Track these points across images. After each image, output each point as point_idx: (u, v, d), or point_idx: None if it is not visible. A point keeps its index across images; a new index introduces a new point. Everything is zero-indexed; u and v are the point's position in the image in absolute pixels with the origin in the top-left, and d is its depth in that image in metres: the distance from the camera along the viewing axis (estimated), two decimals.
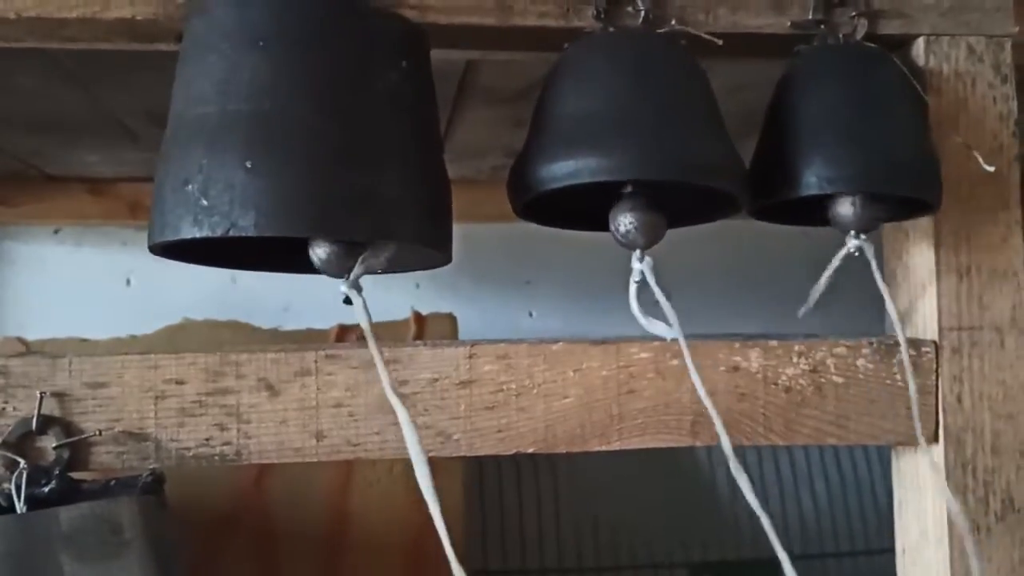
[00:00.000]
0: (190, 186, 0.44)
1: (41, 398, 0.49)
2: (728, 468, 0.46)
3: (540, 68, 0.55)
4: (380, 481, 1.20)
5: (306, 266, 0.49)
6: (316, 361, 0.51)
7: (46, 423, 0.49)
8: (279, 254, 0.54)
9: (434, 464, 0.51)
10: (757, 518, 0.45)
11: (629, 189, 0.50)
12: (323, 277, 0.49)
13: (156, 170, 0.48)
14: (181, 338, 1.30)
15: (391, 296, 1.50)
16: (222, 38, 0.46)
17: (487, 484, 1.33)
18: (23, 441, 0.49)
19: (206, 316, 1.33)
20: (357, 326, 1.38)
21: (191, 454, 0.50)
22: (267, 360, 0.51)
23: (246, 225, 0.43)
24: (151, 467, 0.50)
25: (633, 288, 0.50)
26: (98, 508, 0.46)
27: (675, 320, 0.49)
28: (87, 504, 0.46)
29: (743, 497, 0.46)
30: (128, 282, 1.47)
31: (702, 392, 0.48)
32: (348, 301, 0.49)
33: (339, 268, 0.47)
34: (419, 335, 1.33)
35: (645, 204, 0.50)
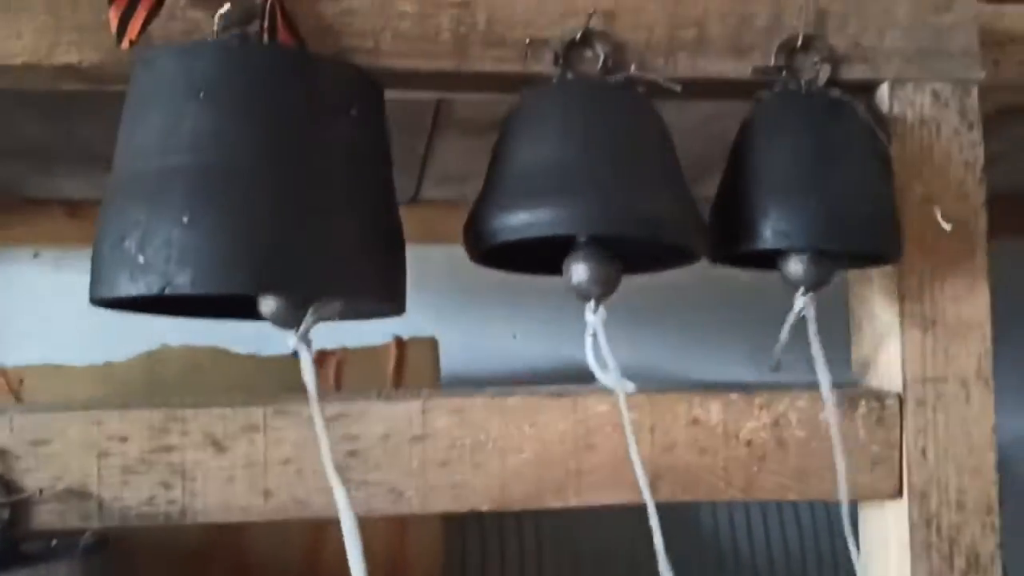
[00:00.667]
0: (127, 242, 0.43)
1: None
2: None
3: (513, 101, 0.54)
4: (362, 526, 1.18)
5: (257, 314, 0.48)
6: (265, 416, 0.50)
7: None
8: (229, 302, 0.52)
9: (412, 520, 0.50)
10: None
11: (583, 239, 0.49)
12: None
13: (97, 223, 0.47)
14: (158, 364, 1.29)
15: (372, 320, 1.49)
16: (165, 89, 0.45)
17: (470, 542, 1.31)
18: None
19: (185, 341, 1.31)
20: (336, 352, 1.36)
21: (134, 513, 0.49)
22: (213, 416, 0.50)
23: (183, 283, 0.42)
24: (93, 528, 0.48)
25: (588, 341, 0.49)
26: (38, 573, 0.45)
27: (621, 383, 0.48)
28: (25, 571, 0.45)
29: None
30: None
31: (634, 451, 0.47)
32: (296, 354, 0.47)
33: (288, 321, 0.46)
34: (399, 360, 1.32)
35: (599, 255, 0.48)
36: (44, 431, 0.49)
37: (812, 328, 0.50)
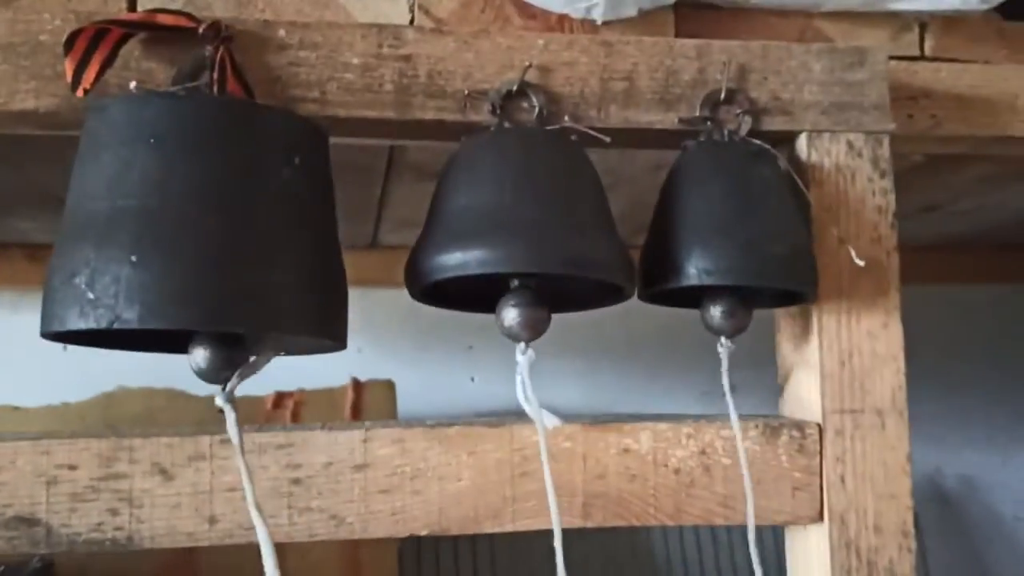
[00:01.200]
0: (77, 279, 0.45)
1: None
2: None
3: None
4: (312, 550, 1.19)
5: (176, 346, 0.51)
6: (211, 445, 0.52)
7: None
8: (176, 338, 0.54)
9: (365, 541, 0.52)
10: None
11: (516, 283, 0.52)
12: None
13: (50, 262, 0.49)
14: (115, 405, 1.30)
15: (331, 361, 1.50)
16: (115, 135, 0.48)
17: (424, 561, 1.32)
18: None
19: (142, 382, 1.32)
20: (294, 393, 1.37)
21: (82, 539, 0.50)
22: (161, 444, 0.52)
23: (130, 318, 0.44)
24: (40, 553, 0.50)
25: (519, 380, 0.52)
26: None
27: (543, 414, 0.51)
28: None
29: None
30: (65, 347, 1.46)
31: (548, 481, 0.49)
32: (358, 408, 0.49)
33: (215, 377, 0.48)
34: (357, 402, 1.33)
35: (529, 300, 0.51)
36: None
37: (724, 370, 0.54)
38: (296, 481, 0.52)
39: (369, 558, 1.25)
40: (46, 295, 0.47)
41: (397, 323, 1.45)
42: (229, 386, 0.47)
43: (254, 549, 0.46)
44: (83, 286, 0.45)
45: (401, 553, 1.27)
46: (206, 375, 0.47)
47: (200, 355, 0.47)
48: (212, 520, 0.51)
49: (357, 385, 1.33)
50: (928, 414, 1.42)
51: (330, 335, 0.50)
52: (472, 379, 1.51)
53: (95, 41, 0.52)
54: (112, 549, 0.51)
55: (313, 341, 0.51)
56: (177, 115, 0.48)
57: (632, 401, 1.44)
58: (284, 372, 1.33)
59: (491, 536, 1.28)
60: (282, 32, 0.55)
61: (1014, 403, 1.44)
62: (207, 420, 1.27)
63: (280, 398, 1.33)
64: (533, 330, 0.52)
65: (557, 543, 0.50)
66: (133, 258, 0.45)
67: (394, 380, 1.33)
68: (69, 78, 0.51)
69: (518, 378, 0.52)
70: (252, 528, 0.51)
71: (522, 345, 0.52)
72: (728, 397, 0.53)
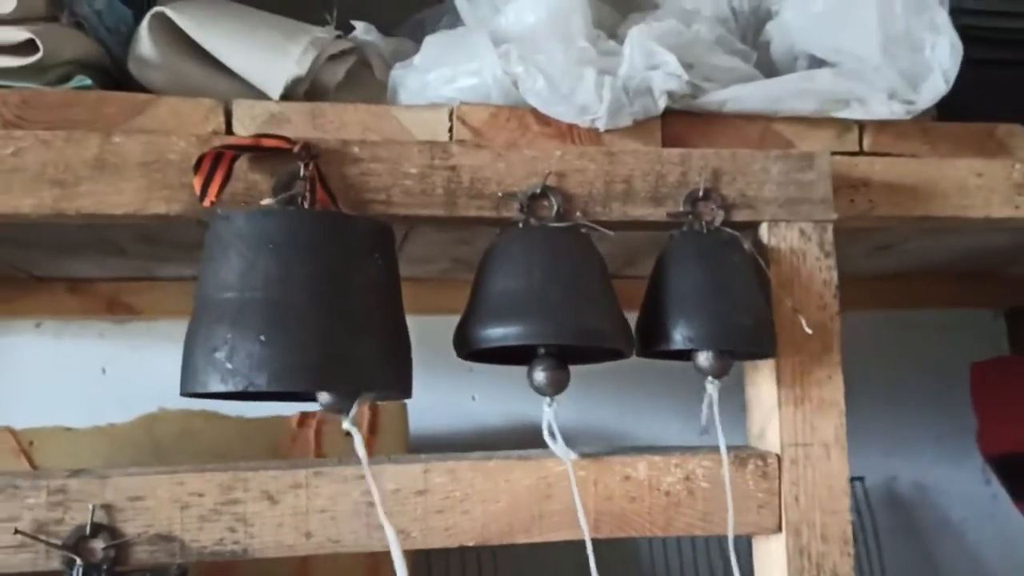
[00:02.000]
0: (218, 353, 0.60)
1: (93, 509, 0.63)
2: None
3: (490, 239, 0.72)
4: (339, 559, 1.33)
5: (298, 398, 0.66)
6: (307, 476, 0.67)
7: (96, 529, 0.63)
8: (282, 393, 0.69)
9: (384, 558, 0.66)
10: None
11: (542, 351, 0.67)
12: None
13: (187, 337, 0.63)
14: (157, 425, 1.43)
15: None
16: (241, 241, 0.62)
17: (435, 568, 1.46)
18: (78, 543, 0.63)
19: (174, 402, 1.46)
20: (315, 414, 1.52)
21: (208, 551, 0.65)
22: (268, 476, 0.66)
23: (261, 383, 0.59)
24: (177, 563, 0.64)
25: (544, 424, 0.67)
26: None
27: (566, 449, 0.66)
28: None
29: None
30: (104, 371, 1.59)
31: (578, 501, 0.65)
32: (348, 434, 0.64)
33: (338, 410, 0.63)
34: (373, 421, 1.48)
35: (555, 364, 0.67)
36: (139, 490, 0.65)
37: (715, 407, 0.69)
38: (372, 504, 0.67)
39: (387, 568, 1.39)
40: (188, 364, 0.62)
41: None
42: (352, 414, 0.62)
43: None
44: (223, 359, 0.60)
45: (415, 564, 1.41)
46: (330, 408, 0.62)
47: (324, 395, 0.62)
48: (308, 535, 0.66)
49: (373, 407, 1.48)
50: (885, 427, 1.59)
51: (401, 390, 0.65)
52: (473, 398, 1.65)
53: (216, 161, 0.66)
54: (230, 559, 0.65)
55: (392, 394, 0.65)
56: (290, 225, 0.63)
57: (620, 424, 1.60)
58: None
59: (493, 549, 1.43)
60: (356, 149, 0.70)
61: (961, 417, 1.61)
62: (239, 436, 1.42)
63: (304, 418, 1.47)
64: (557, 387, 0.68)
65: (589, 550, 0.65)
66: (262, 338, 0.59)
67: (405, 401, 1.48)
68: (198, 192, 0.65)
69: (544, 424, 0.67)
70: (338, 541, 0.66)
71: (548, 399, 0.67)
72: (718, 430, 0.69)
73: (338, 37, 0.86)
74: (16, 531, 0.62)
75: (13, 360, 1.56)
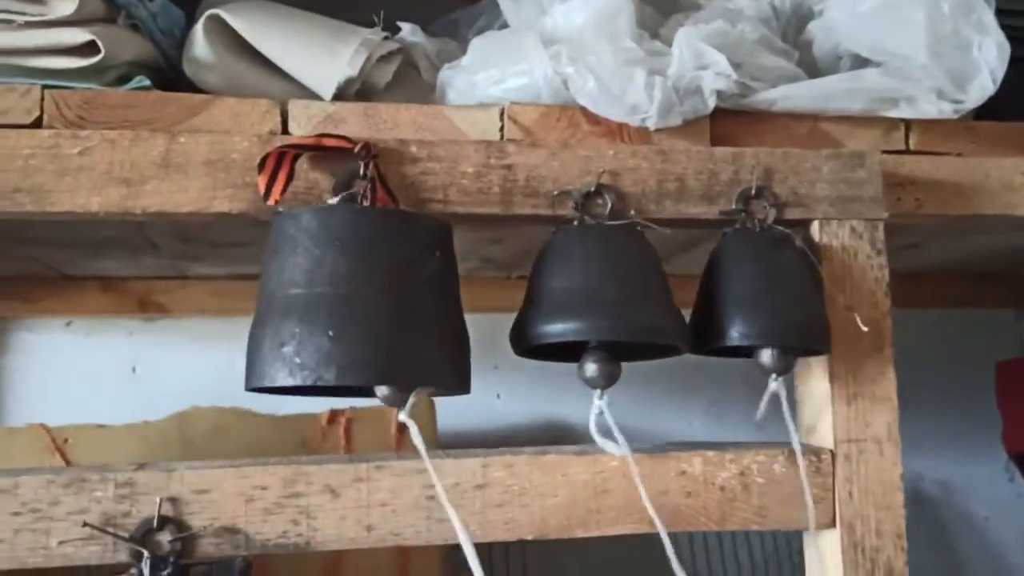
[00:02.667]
0: (286, 348, 0.61)
1: (160, 502, 0.64)
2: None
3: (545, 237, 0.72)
4: (369, 555, 1.34)
5: (349, 392, 0.66)
6: (368, 470, 0.67)
7: (163, 522, 0.64)
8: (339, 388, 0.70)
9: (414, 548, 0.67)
10: None
11: (594, 344, 0.68)
12: None
13: (252, 333, 0.64)
14: (189, 422, 1.44)
15: None
16: (308, 237, 0.63)
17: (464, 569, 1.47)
18: (145, 536, 0.64)
19: (203, 399, 1.47)
20: (345, 411, 1.52)
21: (272, 544, 0.66)
22: (330, 470, 0.67)
23: (328, 377, 0.60)
24: (242, 555, 0.65)
25: (592, 418, 0.68)
26: None
27: (625, 443, 0.67)
28: None
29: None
30: (134, 370, 1.60)
31: (643, 493, 0.65)
32: (403, 426, 0.65)
33: (395, 403, 0.64)
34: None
35: (606, 357, 0.68)
36: (205, 483, 0.66)
37: (783, 404, 0.70)
38: (431, 498, 0.68)
39: (416, 565, 1.40)
40: (255, 359, 0.63)
41: None
42: (409, 405, 0.63)
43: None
44: (291, 353, 0.61)
45: (446, 562, 1.42)
46: (388, 401, 0.63)
47: (383, 389, 0.63)
48: (369, 528, 0.67)
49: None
50: (909, 426, 1.59)
51: (461, 385, 0.66)
52: (498, 396, 1.66)
53: (279, 161, 0.67)
54: (294, 551, 0.66)
55: (451, 390, 0.66)
56: (357, 222, 0.63)
57: (644, 418, 1.61)
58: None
59: (524, 548, 1.44)
60: (414, 148, 0.71)
61: (985, 416, 1.61)
62: (270, 434, 1.43)
63: (334, 415, 1.48)
64: (608, 380, 0.68)
65: (666, 542, 0.66)
66: (330, 333, 0.60)
67: (433, 399, 1.49)
68: (262, 190, 0.66)
69: (592, 417, 0.68)
70: (399, 534, 0.67)
71: (599, 391, 0.68)
72: (790, 426, 0.69)
73: (385, 38, 0.87)
74: (85, 524, 0.63)
75: (44, 358, 1.57)
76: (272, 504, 0.66)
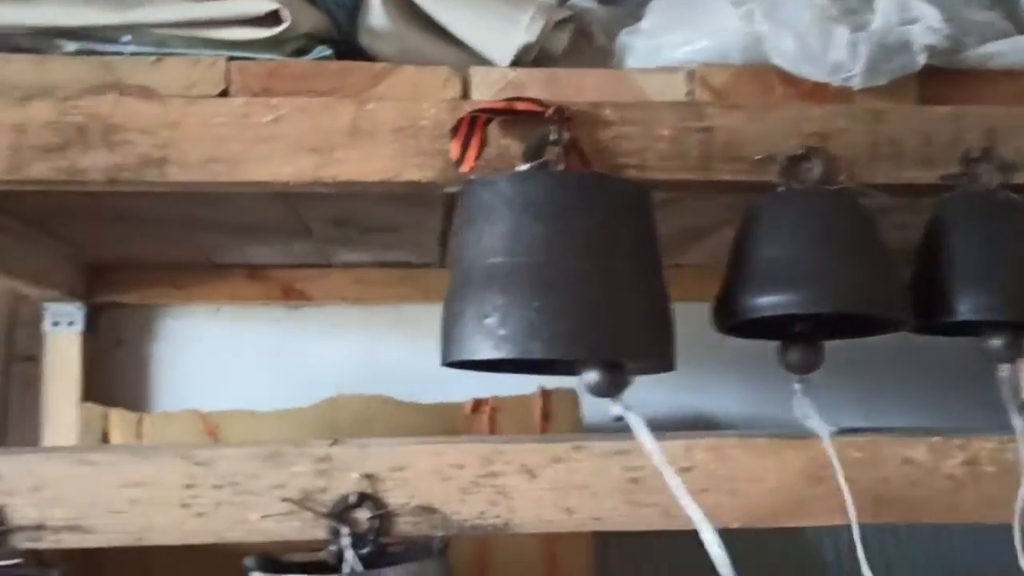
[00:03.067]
0: (488, 320, 0.58)
1: (358, 479, 0.63)
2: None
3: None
4: (514, 544, 1.31)
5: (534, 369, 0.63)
6: (567, 451, 0.64)
7: (360, 499, 0.63)
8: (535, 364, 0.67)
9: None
10: None
11: (797, 329, 0.63)
12: None
13: (449, 305, 0.62)
14: (336, 410, 1.45)
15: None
16: (506, 204, 0.60)
17: (611, 558, 1.43)
18: (344, 513, 0.62)
19: (344, 387, 1.47)
20: (488, 399, 1.49)
21: (469, 525, 0.63)
22: (527, 450, 0.64)
23: (535, 350, 0.57)
24: (440, 536, 0.63)
25: (796, 401, 0.63)
26: (413, 569, 0.60)
27: (824, 428, 0.61)
28: (408, 565, 0.60)
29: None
30: (278, 355, 1.62)
31: (843, 482, 0.60)
32: (619, 419, 0.61)
33: (604, 392, 0.60)
34: (545, 408, 1.46)
35: (809, 344, 0.63)
36: (400, 460, 0.64)
37: (1007, 391, 0.63)
38: (634, 480, 0.64)
39: (565, 553, 1.37)
40: (455, 331, 0.60)
41: None
42: (625, 397, 0.59)
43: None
44: (495, 325, 0.58)
45: (597, 550, 1.38)
46: (596, 391, 0.59)
47: (591, 375, 0.59)
48: (569, 511, 0.64)
49: (545, 393, 1.46)
50: None
51: (666, 360, 0.62)
52: (640, 386, 1.61)
53: (471, 126, 0.64)
54: (492, 533, 0.63)
55: (658, 367, 0.62)
56: (558, 188, 0.60)
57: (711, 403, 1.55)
58: (479, 382, 1.47)
59: (676, 537, 1.38)
60: (607, 112, 0.68)
61: None
62: (413, 422, 1.42)
63: (478, 404, 1.46)
64: (810, 366, 0.64)
65: (857, 539, 0.60)
66: (535, 304, 0.57)
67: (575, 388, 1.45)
68: (455, 157, 0.64)
69: (796, 400, 0.63)
70: (600, 519, 0.64)
71: (798, 385, 0.63)
72: (1015, 416, 0.63)
73: (558, 5, 0.83)
74: (285, 499, 0.62)
75: (194, 344, 1.60)
76: (469, 483, 0.64)
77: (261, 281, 1.56)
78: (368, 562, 0.61)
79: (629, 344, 0.59)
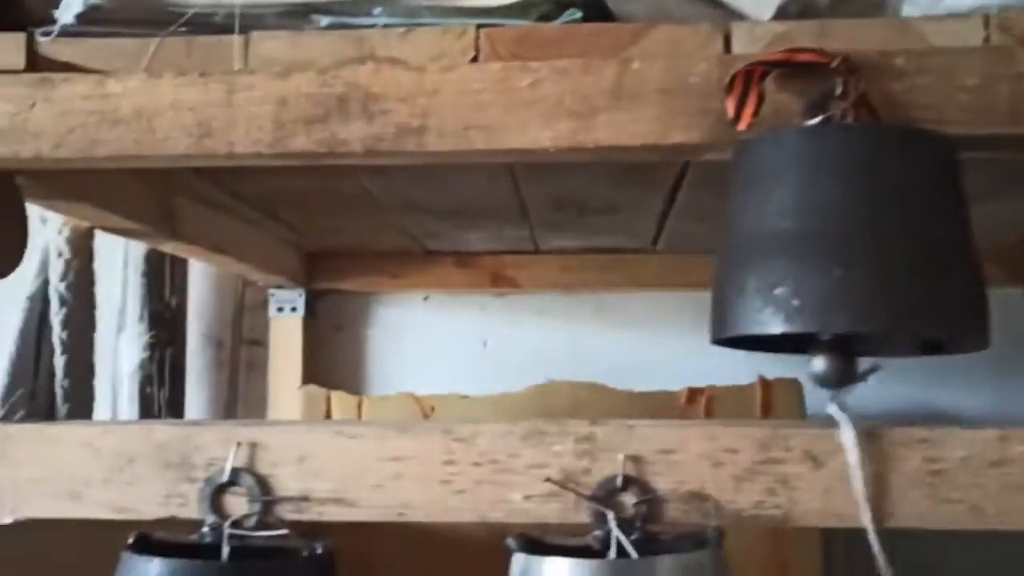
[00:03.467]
0: (778, 290, 0.53)
1: (624, 461, 0.59)
2: None
3: None
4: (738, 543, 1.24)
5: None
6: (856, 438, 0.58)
7: (626, 482, 0.59)
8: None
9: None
10: None
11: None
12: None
13: (728, 274, 0.57)
14: (546, 396, 1.43)
15: (725, 360, 1.56)
16: (796, 162, 0.55)
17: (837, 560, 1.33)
18: (609, 496, 0.59)
19: (550, 374, 1.45)
20: (705, 389, 1.42)
21: (745, 515, 0.58)
22: (811, 436, 0.58)
23: (836, 324, 0.51)
24: (712, 525, 0.58)
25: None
26: (689, 560, 0.55)
27: None
28: (683, 555, 0.55)
29: None
30: (485, 344, 1.62)
31: None
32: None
33: (833, 381, 0.54)
34: (766, 399, 1.38)
35: None
36: (669, 442, 0.59)
37: None
38: (935, 473, 0.57)
39: (794, 555, 1.29)
40: (735, 303, 0.55)
41: None
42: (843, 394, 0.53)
43: None
44: (786, 296, 0.52)
45: (827, 553, 1.29)
46: (823, 379, 0.53)
47: (820, 363, 0.53)
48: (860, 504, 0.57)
49: (765, 383, 1.38)
50: None
51: (982, 336, 0.54)
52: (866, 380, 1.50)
53: (747, 82, 0.59)
54: (769, 524, 0.58)
55: (973, 342, 0.55)
56: (858, 143, 0.54)
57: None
58: (694, 370, 1.41)
59: (917, 539, 1.27)
60: (899, 60, 0.60)
61: None
62: (626, 410, 1.37)
63: (693, 394, 1.41)
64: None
65: None
66: (836, 273, 0.51)
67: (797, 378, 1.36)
68: (731, 114, 0.59)
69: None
70: (894, 514, 0.57)
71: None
72: None
73: None
74: (547, 479, 0.59)
75: (405, 331, 1.63)
76: (743, 470, 0.58)
77: (470, 268, 1.57)
78: (636, 550, 0.57)
79: (947, 317, 0.52)
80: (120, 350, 1.28)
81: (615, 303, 1.59)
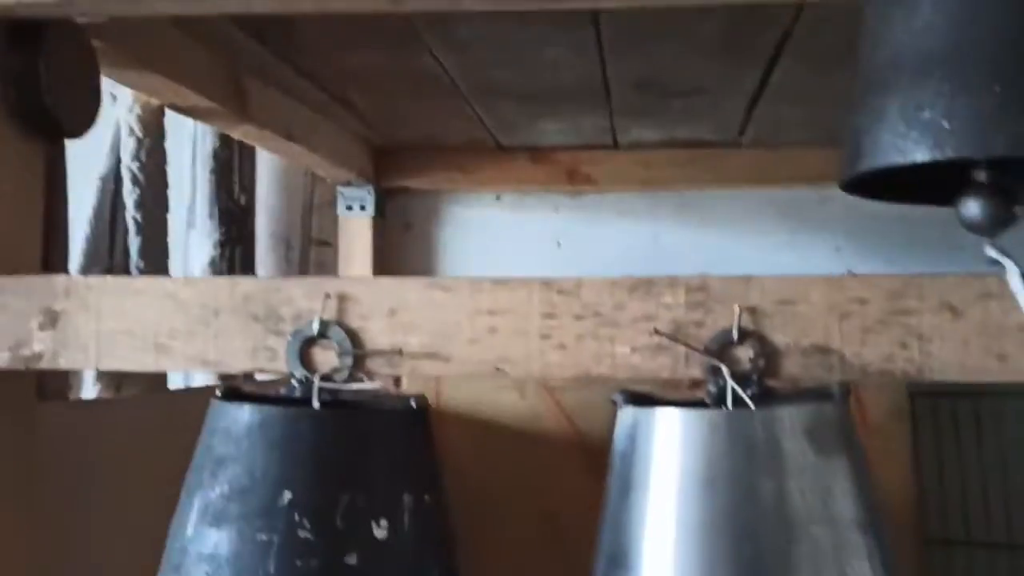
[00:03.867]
0: (925, 113, 0.47)
1: (740, 312, 0.54)
2: None
3: None
4: None
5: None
6: (999, 285, 0.52)
7: (742, 335, 0.54)
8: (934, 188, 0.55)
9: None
10: None
11: None
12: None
13: (863, 103, 0.51)
14: None
15: (812, 259, 1.50)
16: None
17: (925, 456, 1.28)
18: (723, 349, 0.54)
19: (626, 274, 1.40)
20: None
21: (872, 369, 0.53)
22: (948, 284, 0.53)
23: (996, 147, 0.45)
24: (839, 380, 0.54)
25: None
26: (810, 411, 0.51)
27: None
28: (804, 406, 0.51)
29: None
30: (558, 244, 1.58)
31: None
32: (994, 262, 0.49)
33: (986, 227, 0.48)
34: None
35: None
36: (789, 293, 0.55)
37: None
38: None
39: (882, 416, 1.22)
40: (875, 131, 0.49)
41: (883, 222, 1.40)
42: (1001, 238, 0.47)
43: None
44: (935, 117, 0.47)
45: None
46: (978, 224, 0.48)
47: (972, 206, 0.48)
48: (1001, 358, 0.52)
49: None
50: None
51: None
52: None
53: None
54: (900, 379, 0.53)
55: None
56: None
57: None
58: (778, 272, 1.34)
59: (999, 428, 1.21)
60: None
61: None
62: None
63: None
64: None
65: None
66: (996, 89, 0.45)
67: None
68: None
69: None
70: None
71: None
72: None
73: None
74: (655, 331, 0.55)
75: (478, 231, 1.60)
76: (873, 322, 0.54)
77: (545, 164, 1.51)
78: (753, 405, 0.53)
79: None
80: (190, 246, 1.27)
81: (700, 200, 1.53)
